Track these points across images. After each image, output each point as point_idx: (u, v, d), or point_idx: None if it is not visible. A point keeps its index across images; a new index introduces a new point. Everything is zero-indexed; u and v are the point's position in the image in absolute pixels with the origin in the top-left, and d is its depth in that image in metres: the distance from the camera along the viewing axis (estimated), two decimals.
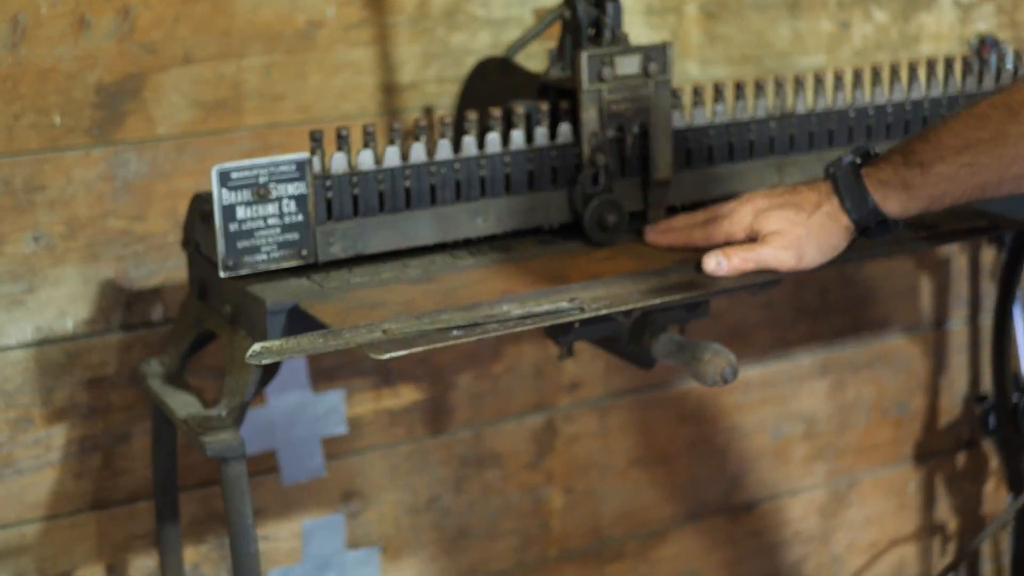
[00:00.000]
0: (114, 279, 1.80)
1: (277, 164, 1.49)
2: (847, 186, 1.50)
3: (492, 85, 1.79)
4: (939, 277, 2.41)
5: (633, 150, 1.64)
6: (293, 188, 1.50)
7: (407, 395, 2.03)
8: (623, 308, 1.49)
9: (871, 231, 1.53)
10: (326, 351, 1.40)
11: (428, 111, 1.93)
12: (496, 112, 1.60)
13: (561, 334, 1.61)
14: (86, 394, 1.81)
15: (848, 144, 1.79)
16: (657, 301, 1.51)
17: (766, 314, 2.27)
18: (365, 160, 1.54)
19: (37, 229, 1.76)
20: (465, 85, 1.85)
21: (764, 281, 1.56)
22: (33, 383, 1.79)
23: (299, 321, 1.48)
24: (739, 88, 1.73)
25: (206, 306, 1.63)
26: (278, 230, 1.51)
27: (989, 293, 2.43)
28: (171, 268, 1.83)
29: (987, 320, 2.43)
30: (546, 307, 1.47)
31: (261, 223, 1.50)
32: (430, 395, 2.05)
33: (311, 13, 1.85)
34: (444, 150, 1.57)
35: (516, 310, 1.46)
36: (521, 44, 1.79)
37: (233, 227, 1.48)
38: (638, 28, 2.05)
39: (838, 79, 1.80)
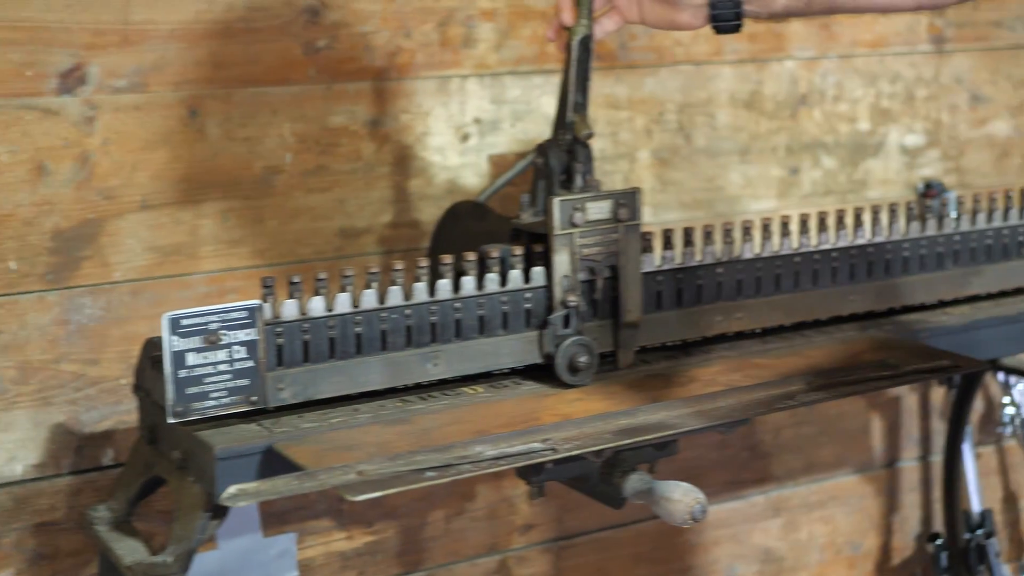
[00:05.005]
0: (65, 423, 1.81)
1: (228, 311, 1.51)
2: None
3: (465, 229, 1.83)
4: (890, 417, 2.44)
5: (603, 293, 1.68)
6: (244, 334, 1.52)
7: (359, 538, 2.03)
8: (594, 448, 1.51)
9: (722, 18, 1.57)
10: (301, 493, 1.42)
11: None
12: (470, 256, 1.63)
13: (532, 475, 1.61)
14: (33, 539, 1.80)
15: (795, 288, 1.83)
16: (628, 441, 1.54)
17: (720, 454, 2.28)
18: (316, 307, 1.56)
19: None
20: (437, 228, 1.89)
21: (732, 420, 1.60)
22: None
23: (274, 462, 1.49)
24: (687, 233, 1.77)
25: (156, 451, 1.63)
26: (228, 376, 1.52)
27: (940, 432, 2.45)
28: (123, 412, 1.83)
29: (938, 459, 2.45)
30: (519, 448, 1.49)
31: (211, 369, 1.51)
32: (382, 537, 2.04)
33: (269, 160, 1.88)
34: (395, 296, 1.60)
35: (489, 451, 1.48)
36: (495, 189, 1.83)
37: (183, 373, 1.49)
38: None
39: (785, 225, 1.84)
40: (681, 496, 1.56)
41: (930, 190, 2.36)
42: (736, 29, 1.60)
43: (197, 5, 1.80)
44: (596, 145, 2.07)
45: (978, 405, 2.52)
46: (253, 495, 1.42)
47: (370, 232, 1.96)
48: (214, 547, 1.91)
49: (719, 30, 1.60)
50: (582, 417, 1.57)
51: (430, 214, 1.97)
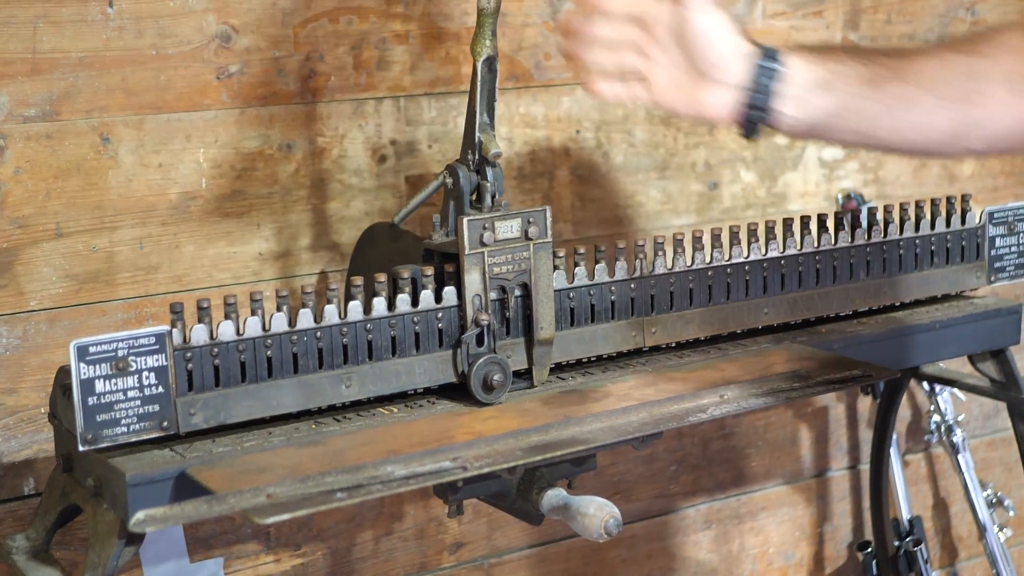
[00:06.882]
0: None
1: (136, 337, 1.51)
2: (765, 49, 1.44)
3: (380, 251, 1.84)
4: (818, 427, 2.46)
5: (516, 311, 1.70)
6: (153, 360, 1.52)
7: (287, 560, 2.03)
8: (505, 465, 1.53)
9: (755, 104, 1.43)
10: (210, 517, 1.42)
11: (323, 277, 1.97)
12: (381, 277, 1.65)
13: (450, 492, 1.65)
14: None
15: (708, 302, 1.84)
16: (538, 458, 1.55)
17: (648, 468, 2.30)
18: (226, 331, 1.57)
19: None
20: (355, 251, 1.90)
21: (644, 435, 1.61)
22: None
23: (187, 487, 1.50)
24: (597, 249, 1.79)
25: (71, 479, 1.63)
26: (138, 402, 1.52)
27: (868, 441, 2.47)
28: (42, 441, 1.83)
29: (867, 467, 2.47)
30: (429, 467, 1.50)
31: (121, 396, 1.51)
32: (310, 560, 2.04)
33: (184, 185, 1.89)
34: (305, 319, 1.60)
35: (400, 471, 1.49)
36: (409, 210, 1.85)
37: (92, 400, 1.49)
38: (511, 192, 2.11)
39: (697, 239, 1.85)
40: (595, 511, 1.58)
41: (849, 202, 2.39)
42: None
43: (106, 32, 1.81)
44: (514, 164, 2.10)
45: (907, 414, 2.55)
46: (161, 520, 1.42)
47: (289, 255, 1.97)
48: (140, 573, 1.91)
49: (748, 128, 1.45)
50: (495, 435, 1.58)
51: (349, 236, 1.98)
